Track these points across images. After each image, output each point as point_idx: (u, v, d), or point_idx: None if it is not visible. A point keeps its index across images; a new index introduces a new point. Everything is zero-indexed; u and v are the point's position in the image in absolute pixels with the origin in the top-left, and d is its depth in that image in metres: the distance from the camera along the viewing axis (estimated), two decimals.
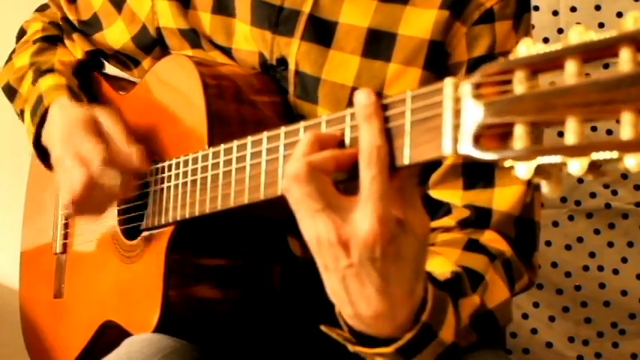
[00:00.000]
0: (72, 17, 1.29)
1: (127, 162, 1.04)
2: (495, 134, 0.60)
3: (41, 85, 1.20)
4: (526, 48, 0.58)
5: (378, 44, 1.02)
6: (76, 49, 1.29)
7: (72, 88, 1.20)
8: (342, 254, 0.68)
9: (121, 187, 1.04)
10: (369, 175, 0.67)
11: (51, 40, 1.31)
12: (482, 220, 1.00)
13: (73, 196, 1.04)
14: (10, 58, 1.33)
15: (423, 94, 0.66)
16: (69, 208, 1.07)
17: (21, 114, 1.25)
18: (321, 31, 1.05)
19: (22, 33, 1.36)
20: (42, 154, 1.19)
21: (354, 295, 0.70)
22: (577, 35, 0.55)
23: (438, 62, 1.02)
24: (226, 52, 1.12)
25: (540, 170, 0.57)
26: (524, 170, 0.58)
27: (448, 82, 0.63)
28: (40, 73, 1.23)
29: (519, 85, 0.58)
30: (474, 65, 1.00)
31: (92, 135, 1.06)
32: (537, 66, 0.58)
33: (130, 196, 1.07)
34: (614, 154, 0.53)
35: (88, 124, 1.08)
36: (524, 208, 1.01)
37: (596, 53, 0.54)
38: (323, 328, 0.78)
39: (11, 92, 1.29)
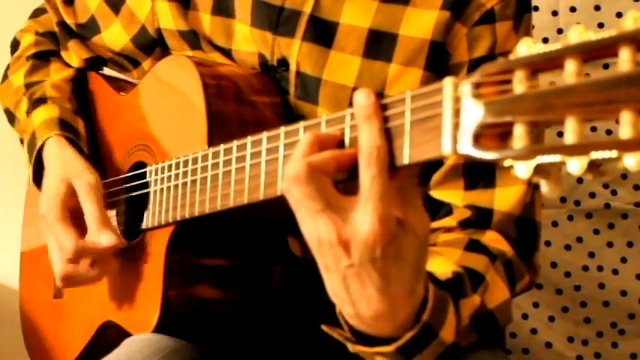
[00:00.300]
0: (69, 21, 1.29)
1: (100, 247, 1.06)
2: (495, 134, 0.60)
3: (34, 119, 1.22)
4: (526, 48, 0.58)
5: (379, 45, 1.02)
6: (71, 58, 1.29)
7: (64, 120, 1.21)
8: (343, 254, 0.68)
9: (98, 274, 1.09)
10: (369, 175, 0.67)
11: (44, 56, 1.31)
12: (483, 220, 1.01)
13: (59, 283, 1.11)
14: (5, 76, 1.34)
15: (422, 94, 0.66)
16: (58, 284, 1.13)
17: (22, 142, 1.27)
18: (322, 32, 1.04)
19: (15, 44, 1.36)
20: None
21: (354, 295, 0.70)
22: (577, 35, 0.55)
23: (438, 63, 1.02)
24: (226, 53, 1.12)
25: (540, 169, 0.57)
26: (523, 170, 0.58)
27: (448, 82, 0.63)
28: (34, 103, 1.24)
29: (519, 84, 0.58)
30: (474, 66, 1.00)
31: (65, 223, 1.09)
32: (537, 65, 0.58)
33: (114, 273, 1.11)
34: (614, 154, 0.53)
35: (64, 201, 1.11)
36: (525, 208, 1.02)
37: (596, 53, 0.55)
38: (324, 327, 0.78)
39: (11, 116, 1.31)
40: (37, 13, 1.37)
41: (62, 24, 1.30)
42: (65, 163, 1.15)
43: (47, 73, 1.28)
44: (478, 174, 1.01)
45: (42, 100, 1.23)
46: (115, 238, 1.05)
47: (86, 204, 1.09)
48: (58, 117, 1.21)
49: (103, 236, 1.06)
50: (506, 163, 0.59)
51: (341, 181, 0.70)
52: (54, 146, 1.18)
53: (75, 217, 1.10)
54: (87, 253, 1.07)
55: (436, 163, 1.02)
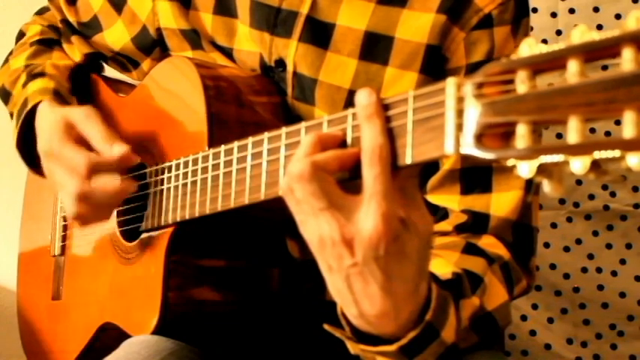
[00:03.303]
0: (72, 19, 1.29)
1: (113, 160, 1.02)
2: (497, 134, 0.60)
3: (29, 88, 1.20)
4: (528, 48, 0.58)
5: (375, 47, 1.02)
6: (74, 52, 1.29)
7: (59, 92, 1.19)
8: (346, 253, 0.68)
9: (118, 187, 1.02)
10: (371, 174, 0.67)
11: (48, 44, 1.31)
12: (479, 224, 1.00)
13: (74, 210, 1.04)
14: (6, 60, 1.33)
15: (425, 94, 0.66)
16: (74, 221, 1.06)
17: (11, 116, 1.25)
18: (319, 33, 1.04)
19: (20, 36, 1.36)
20: (27, 156, 1.19)
21: (358, 295, 0.70)
22: (579, 35, 0.55)
23: (435, 66, 1.01)
24: (227, 52, 1.12)
25: (542, 169, 0.57)
26: (526, 169, 0.58)
27: (450, 82, 0.64)
28: (32, 76, 1.22)
29: (521, 84, 0.58)
30: (472, 71, 1.00)
31: (71, 143, 1.05)
32: (539, 66, 0.58)
33: (131, 191, 1.04)
34: (617, 153, 0.53)
35: (64, 130, 1.06)
36: (521, 213, 1.01)
37: (598, 53, 0.55)
38: (326, 327, 0.78)
39: (5, 95, 1.29)
40: (42, 11, 1.37)
41: (65, 22, 1.30)
42: (57, 109, 1.11)
43: (49, 57, 1.28)
44: (475, 179, 1.01)
45: (40, 74, 1.22)
46: (127, 147, 1.01)
47: (88, 128, 1.05)
48: (54, 88, 1.19)
49: (115, 147, 1.02)
50: (509, 162, 0.59)
51: (343, 180, 0.70)
52: (46, 107, 1.14)
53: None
54: (101, 168, 1.02)
55: (432, 167, 1.02)
